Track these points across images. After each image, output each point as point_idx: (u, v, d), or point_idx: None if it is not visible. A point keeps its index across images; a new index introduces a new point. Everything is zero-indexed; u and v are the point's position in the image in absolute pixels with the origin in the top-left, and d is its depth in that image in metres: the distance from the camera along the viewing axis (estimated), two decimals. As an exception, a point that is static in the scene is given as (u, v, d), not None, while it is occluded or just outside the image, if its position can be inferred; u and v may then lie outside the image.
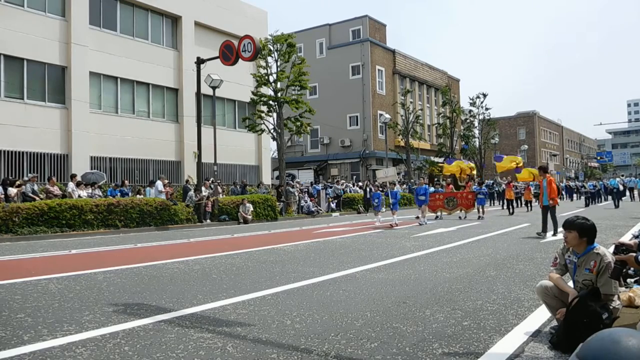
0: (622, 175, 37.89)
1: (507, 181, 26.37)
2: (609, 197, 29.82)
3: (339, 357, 3.45)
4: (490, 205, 29.45)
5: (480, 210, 19.16)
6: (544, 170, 12.30)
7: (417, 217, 17.04)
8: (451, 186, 22.87)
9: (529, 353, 3.51)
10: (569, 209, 23.91)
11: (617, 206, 24.77)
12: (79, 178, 17.18)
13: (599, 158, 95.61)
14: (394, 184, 17.37)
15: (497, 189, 31.22)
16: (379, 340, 3.82)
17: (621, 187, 28.51)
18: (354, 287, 5.93)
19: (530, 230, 11.51)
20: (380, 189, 19.73)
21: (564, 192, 38.65)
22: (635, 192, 33.95)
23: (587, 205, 27.93)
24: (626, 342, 1.77)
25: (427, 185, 17.65)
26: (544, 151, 71.36)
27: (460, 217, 18.74)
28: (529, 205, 25.30)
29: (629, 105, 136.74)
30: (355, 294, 5.54)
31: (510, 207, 22.30)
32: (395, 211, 16.27)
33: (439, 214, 19.57)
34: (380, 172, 18.95)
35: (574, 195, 37.56)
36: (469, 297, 5.32)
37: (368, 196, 24.52)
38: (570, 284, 3.95)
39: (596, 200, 31.08)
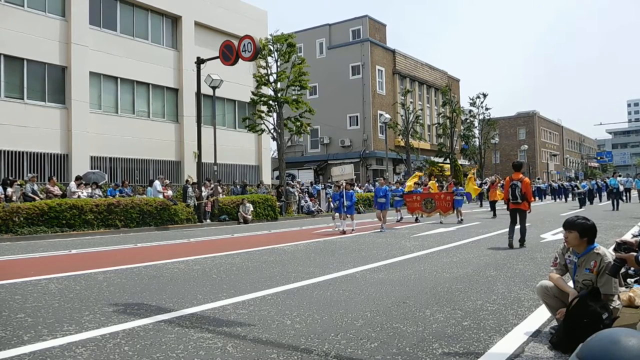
0: (620, 175, 37.56)
1: (491, 181, 23.40)
2: (606, 197, 29.08)
3: (339, 357, 3.45)
4: (480, 206, 28.92)
5: (459, 213, 17.19)
6: (514, 168, 10.21)
7: (400, 221, 15.10)
8: (428, 186, 21.24)
9: (529, 353, 3.51)
10: (564, 209, 23.82)
11: (615, 208, 22.99)
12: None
13: (599, 158, 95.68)
14: (351, 184, 15.24)
15: (485, 188, 29.43)
16: (379, 340, 3.82)
17: (621, 188, 27.77)
18: (354, 287, 5.93)
19: (530, 230, 11.51)
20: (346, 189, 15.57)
21: (548, 193, 37.88)
22: (635, 193, 33.57)
23: (581, 206, 27.03)
24: (626, 342, 1.76)
25: (387, 187, 15.71)
26: (544, 151, 71.33)
27: (441, 222, 16.83)
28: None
29: (629, 105, 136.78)
30: (355, 294, 5.53)
31: (494, 209, 19.94)
32: (352, 215, 14.29)
33: (417, 216, 18.31)
34: (335, 170, 16.67)
35: (569, 195, 37.01)
36: (469, 297, 5.32)
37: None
38: (571, 284, 3.95)
39: (591, 201, 30.35)
